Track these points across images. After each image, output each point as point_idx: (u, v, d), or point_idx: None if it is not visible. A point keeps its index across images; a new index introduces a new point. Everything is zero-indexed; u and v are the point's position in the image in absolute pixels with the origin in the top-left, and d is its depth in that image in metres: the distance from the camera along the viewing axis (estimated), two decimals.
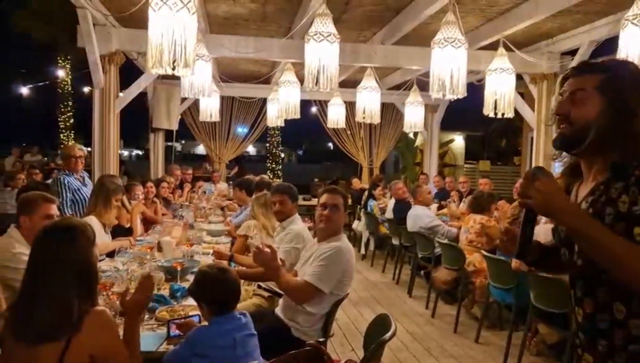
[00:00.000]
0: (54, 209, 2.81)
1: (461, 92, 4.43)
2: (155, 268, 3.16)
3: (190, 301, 2.68)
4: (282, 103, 6.61)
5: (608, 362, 1.36)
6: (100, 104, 6.37)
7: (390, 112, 11.47)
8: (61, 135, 18.63)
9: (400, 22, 6.01)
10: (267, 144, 16.23)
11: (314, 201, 7.69)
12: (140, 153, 41.67)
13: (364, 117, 6.94)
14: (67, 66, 18.00)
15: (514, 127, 13.51)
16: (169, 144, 11.69)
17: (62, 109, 18.64)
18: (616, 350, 1.34)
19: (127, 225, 4.76)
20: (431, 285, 5.64)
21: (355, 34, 6.79)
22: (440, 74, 4.39)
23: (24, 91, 20.58)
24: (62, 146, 17.26)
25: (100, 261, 3.06)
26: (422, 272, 6.46)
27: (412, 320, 5.29)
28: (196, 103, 9.14)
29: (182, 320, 2.31)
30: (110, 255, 3.73)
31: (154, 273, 2.99)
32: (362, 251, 8.36)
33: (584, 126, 1.39)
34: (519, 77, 6.69)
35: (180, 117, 10.28)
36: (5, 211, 6.34)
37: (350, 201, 8.47)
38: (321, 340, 2.83)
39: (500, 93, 5.43)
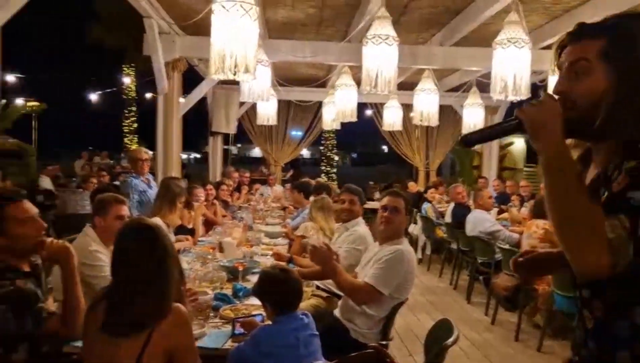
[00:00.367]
0: (125, 211, 2.95)
1: (524, 93, 4.30)
2: (217, 268, 3.26)
3: (253, 300, 2.75)
4: (338, 106, 6.64)
5: None
6: (163, 109, 6.62)
7: (448, 114, 11.26)
8: (125, 139, 19.52)
9: (459, 23, 5.92)
10: (321, 147, 16.32)
11: (370, 205, 7.67)
12: (198, 156, 42.98)
13: (421, 121, 6.85)
14: (132, 73, 18.86)
15: None
16: (226, 147, 12.00)
17: (126, 114, 19.54)
18: None
19: (190, 226, 4.93)
20: (491, 291, 5.50)
21: (414, 36, 6.74)
22: (503, 75, 4.29)
23: (93, 97, 21.71)
24: (125, 149, 18.07)
25: None
26: (481, 278, 6.31)
27: (471, 326, 5.17)
28: (254, 107, 9.34)
29: (246, 319, 2.37)
30: None
31: (217, 272, 3.10)
32: (419, 254, 8.26)
33: (591, 105, 1.14)
34: None
35: (238, 121, 10.54)
36: (78, 211, 6.71)
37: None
38: (383, 342, 2.83)
39: None
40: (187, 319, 1.87)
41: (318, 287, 3.85)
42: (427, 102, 6.77)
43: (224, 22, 3.24)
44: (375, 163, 42.62)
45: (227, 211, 6.74)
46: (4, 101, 12.01)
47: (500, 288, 5.22)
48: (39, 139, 20.63)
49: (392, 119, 8.22)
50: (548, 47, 6.16)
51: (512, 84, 4.25)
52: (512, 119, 1.18)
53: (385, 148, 43.71)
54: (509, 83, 4.26)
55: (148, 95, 18.32)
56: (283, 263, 3.52)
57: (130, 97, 19.40)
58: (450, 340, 2.22)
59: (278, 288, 2.17)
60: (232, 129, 10.08)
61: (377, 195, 10.16)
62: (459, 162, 13.17)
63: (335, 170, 16.28)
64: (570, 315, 4.39)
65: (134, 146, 18.01)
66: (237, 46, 3.23)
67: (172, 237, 4.37)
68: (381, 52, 4.33)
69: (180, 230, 4.66)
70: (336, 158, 17.21)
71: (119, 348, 1.76)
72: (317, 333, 2.21)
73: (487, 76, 4.56)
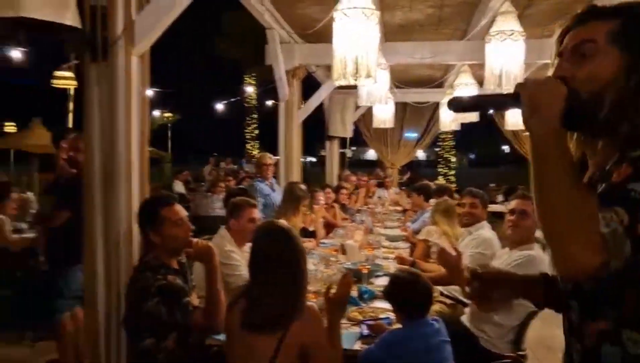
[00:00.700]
0: (256, 213, 3.14)
1: None
2: (342, 270, 3.32)
3: (379, 303, 2.77)
4: None
5: None
6: (284, 115, 6.89)
7: None
8: (247, 145, 20.67)
9: None
10: (437, 149, 15.96)
11: (492, 208, 7.34)
12: (314, 159, 44.19)
13: None
14: (253, 82, 19.95)
15: None
16: (342, 150, 12.18)
17: (248, 122, 20.69)
18: None
19: (311, 228, 5.09)
20: None
21: (540, 29, 6.34)
22: None
23: (219, 106, 23.28)
24: (247, 155, 19.11)
25: None
26: None
27: None
28: (369, 110, 9.38)
29: (374, 322, 2.39)
30: None
31: (341, 274, 3.16)
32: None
33: (595, 94, 1.00)
34: None
35: (353, 124, 10.66)
36: (209, 214, 7.23)
37: None
38: (521, 353, 2.70)
39: None
40: (319, 317, 1.94)
41: (442, 293, 3.77)
42: None
43: (345, 28, 3.31)
44: (494, 164, 40.66)
45: (346, 214, 6.85)
46: None
47: None
48: (172, 146, 22.58)
49: (515, 117, 7.80)
50: None
51: None
52: (510, 93, 1.04)
53: (506, 148, 41.57)
54: None
55: (268, 102, 19.23)
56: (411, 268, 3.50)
57: (251, 105, 20.53)
58: None
59: (408, 292, 2.17)
60: (348, 133, 10.22)
61: (499, 198, 9.70)
62: None
63: (453, 172, 15.82)
64: None
65: (255, 152, 19.00)
66: (358, 51, 3.28)
67: None
68: (506, 48, 4.15)
69: (301, 232, 4.83)
70: (453, 159, 16.72)
71: (257, 343, 1.87)
72: (448, 339, 2.18)
73: None
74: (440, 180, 14.17)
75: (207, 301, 2.33)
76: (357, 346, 2.29)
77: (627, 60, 0.99)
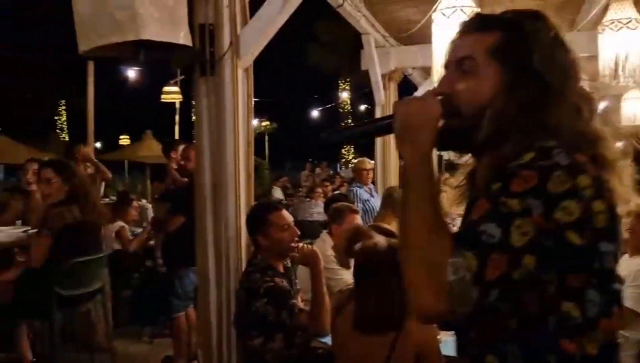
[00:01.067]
0: (358, 219, 3.17)
1: None
2: None
3: None
4: None
5: None
6: None
7: None
8: (342, 150, 20.88)
9: None
10: None
11: None
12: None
13: None
14: (347, 88, 20.16)
15: None
16: (439, 153, 11.91)
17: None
18: None
19: None
20: None
21: None
22: None
23: (314, 113, 23.77)
24: (343, 160, 19.31)
25: None
26: None
27: None
28: None
29: None
30: None
31: None
32: None
33: (476, 110, 0.93)
34: None
35: None
36: (307, 219, 7.38)
37: None
38: None
39: None
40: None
41: None
42: None
43: (444, 29, 3.26)
44: None
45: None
46: None
47: None
48: (269, 153, 23.36)
49: (632, 112, 7.19)
50: None
51: None
52: (389, 115, 0.98)
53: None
54: None
55: (362, 107, 19.33)
56: None
57: (345, 110, 20.72)
58: None
59: None
60: None
61: None
62: None
63: None
64: None
65: (350, 157, 19.14)
66: None
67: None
68: (622, 38, 3.86)
69: None
70: None
71: (371, 345, 1.89)
72: None
73: None
74: None
75: (313, 304, 2.38)
76: None
77: (508, 76, 0.94)
